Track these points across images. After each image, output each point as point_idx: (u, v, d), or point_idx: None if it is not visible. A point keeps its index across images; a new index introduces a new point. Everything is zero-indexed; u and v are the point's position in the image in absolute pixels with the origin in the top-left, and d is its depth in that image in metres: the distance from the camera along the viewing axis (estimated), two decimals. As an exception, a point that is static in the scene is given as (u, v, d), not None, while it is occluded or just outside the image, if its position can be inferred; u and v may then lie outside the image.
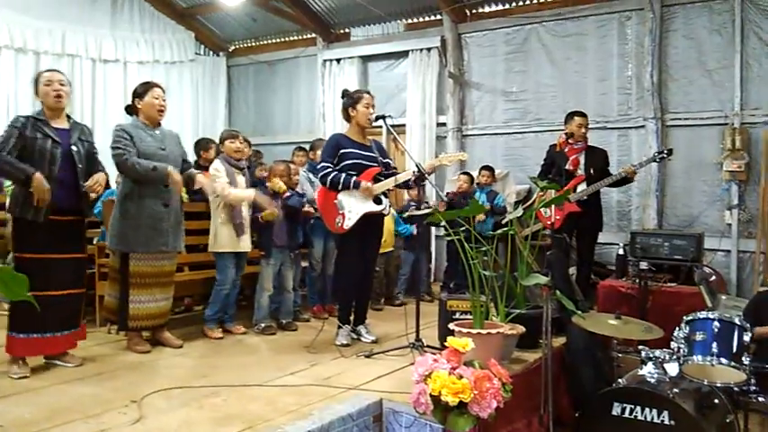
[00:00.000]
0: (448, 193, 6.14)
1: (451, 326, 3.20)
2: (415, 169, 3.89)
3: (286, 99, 8.88)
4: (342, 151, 4.00)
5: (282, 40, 8.82)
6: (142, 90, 3.96)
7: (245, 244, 4.41)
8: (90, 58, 7.57)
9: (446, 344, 2.74)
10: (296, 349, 3.98)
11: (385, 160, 4.15)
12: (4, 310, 5.01)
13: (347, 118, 4.15)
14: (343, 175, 3.97)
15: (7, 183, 5.60)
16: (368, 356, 3.72)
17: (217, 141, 6.15)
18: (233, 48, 9.20)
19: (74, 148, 3.45)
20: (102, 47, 7.67)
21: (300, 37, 8.65)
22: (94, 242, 4.69)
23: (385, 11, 7.54)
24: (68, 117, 3.56)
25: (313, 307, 5.17)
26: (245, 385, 3.10)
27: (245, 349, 4.04)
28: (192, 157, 5.92)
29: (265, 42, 8.96)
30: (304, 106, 8.70)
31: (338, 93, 7.91)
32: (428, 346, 3.68)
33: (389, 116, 4.13)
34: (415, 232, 5.62)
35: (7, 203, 3.58)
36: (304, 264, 5.12)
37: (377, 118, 4.11)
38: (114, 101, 7.77)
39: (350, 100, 4.15)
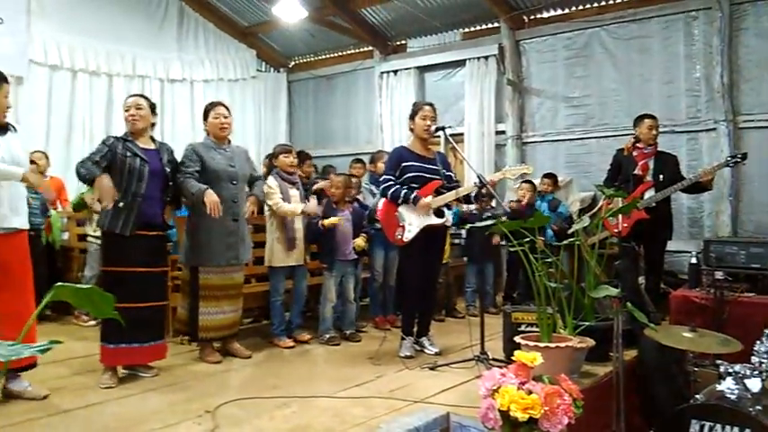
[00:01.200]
0: (510, 203, 6.06)
1: (517, 339, 3.16)
2: (477, 182, 3.87)
3: (344, 112, 9.02)
4: (404, 164, 4.03)
5: (340, 54, 8.97)
6: (207, 109, 4.14)
7: (297, 257, 4.50)
8: (158, 79, 7.92)
9: (513, 357, 2.71)
10: (360, 360, 4.02)
11: (447, 173, 4.15)
12: (83, 322, 5.32)
13: (411, 129, 4.20)
14: (404, 189, 3.99)
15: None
16: (432, 369, 3.71)
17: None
18: (293, 63, 9.42)
19: (159, 165, 3.65)
20: (170, 68, 8.01)
21: (358, 50, 8.77)
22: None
23: (442, 21, 7.56)
24: (153, 139, 3.79)
25: (375, 318, 5.21)
26: (314, 397, 3.16)
27: (311, 360, 4.11)
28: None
29: (324, 57, 9.13)
30: (362, 118, 8.81)
31: (396, 104, 8.17)
32: (493, 359, 3.64)
33: (449, 126, 4.15)
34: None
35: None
36: (365, 275, 5.17)
37: (436, 129, 4.13)
38: (181, 118, 8.11)
39: (411, 112, 4.19)
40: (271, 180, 4.53)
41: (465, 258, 5.98)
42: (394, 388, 3.32)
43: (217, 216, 3.77)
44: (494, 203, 5.42)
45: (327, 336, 4.53)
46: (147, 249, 3.60)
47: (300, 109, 9.48)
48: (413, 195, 3.97)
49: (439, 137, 4.49)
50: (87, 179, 3.48)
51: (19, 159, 3.11)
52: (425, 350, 4.15)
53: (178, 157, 3.94)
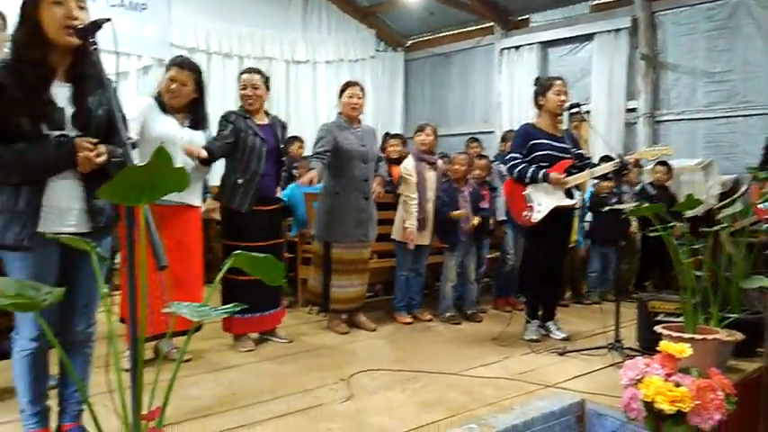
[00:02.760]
0: (642, 185, 5.74)
1: (658, 329, 3.00)
2: (617, 161, 3.69)
3: (462, 90, 8.91)
4: (532, 142, 3.91)
5: (459, 31, 8.84)
6: (342, 89, 4.22)
7: (424, 239, 4.51)
8: (284, 60, 8.21)
9: (654, 347, 2.58)
10: (483, 341, 4.00)
11: (578, 151, 4.00)
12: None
13: (538, 106, 4.05)
14: (532, 167, 3.88)
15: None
16: (561, 354, 3.62)
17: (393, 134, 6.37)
18: (410, 42, 9.41)
19: (281, 145, 3.77)
20: (295, 49, 8.28)
21: (477, 27, 8.60)
22: (293, 233, 5.09)
23: (570, -7, 7.23)
24: (266, 113, 3.77)
25: (495, 299, 5.16)
26: (442, 373, 3.19)
27: (433, 337, 4.15)
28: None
29: (442, 35, 9.04)
30: (480, 96, 8.66)
31: (516, 82, 7.94)
32: (628, 349, 3.49)
33: (584, 103, 3.97)
34: None
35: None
36: (490, 255, 5.10)
37: (570, 106, 3.97)
38: (305, 98, 8.38)
39: (540, 88, 4.04)
40: (408, 162, 4.55)
41: (589, 241, 5.74)
42: (522, 371, 3.27)
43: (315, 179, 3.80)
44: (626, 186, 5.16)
45: (448, 314, 4.55)
46: (264, 224, 3.68)
47: (417, 88, 9.48)
48: (541, 173, 3.85)
49: (576, 113, 4.28)
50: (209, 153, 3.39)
51: (196, 143, 3.28)
52: (552, 335, 4.05)
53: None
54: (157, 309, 3.12)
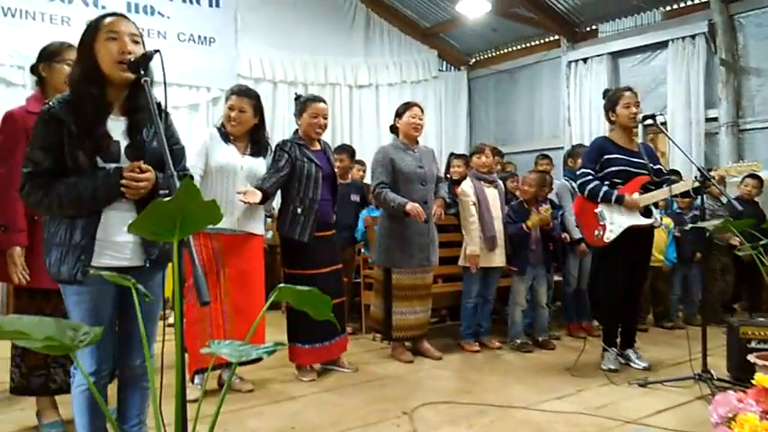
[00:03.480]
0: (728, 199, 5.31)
1: (752, 358, 2.71)
2: (698, 176, 3.41)
3: (528, 106, 8.67)
4: (606, 157, 3.68)
5: (523, 46, 8.64)
6: (402, 110, 4.15)
7: (497, 259, 4.32)
8: (347, 85, 8.28)
9: (753, 380, 2.30)
10: (557, 370, 3.77)
11: (656, 167, 3.73)
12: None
13: (610, 121, 3.83)
14: (605, 187, 3.64)
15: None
16: (642, 385, 3.34)
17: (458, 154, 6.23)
18: (473, 60, 9.29)
19: (335, 170, 3.74)
20: (358, 73, 8.33)
21: (542, 41, 8.38)
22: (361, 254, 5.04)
23: (640, 1, 6.90)
24: (318, 139, 3.74)
25: (568, 324, 4.88)
26: (513, 407, 3.00)
27: (502, 366, 3.95)
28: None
29: (506, 51, 8.87)
30: (547, 112, 8.40)
31: (585, 95, 7.65)
32: (718, 380, 3.17)
33: (659, 114, 3.71)
34: None
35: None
36: (557, 278, 4.87)
37: (644, 118, 3.72)
38: (368, 122, 8.39)
39: (609, 102, 3.81)
40: (465, 183, 4.43)
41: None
42: (600, 404, 3.03)
43: (421, 220, 3.80)
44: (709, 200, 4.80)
45: (518, 341, 4.33)
46: (323, 250, 3.63)
47: (481, 106, 9.32)
48: (615, 195, 3.61)
49: (651, 125, 4.01)
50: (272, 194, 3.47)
51: (257, 174, 3.32)
52: (632, 363, 3.76)
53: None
54: (219, 338, 3.12)
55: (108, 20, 2.00)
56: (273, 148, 3.54)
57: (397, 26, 8.67)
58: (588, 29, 7.89)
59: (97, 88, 1.99)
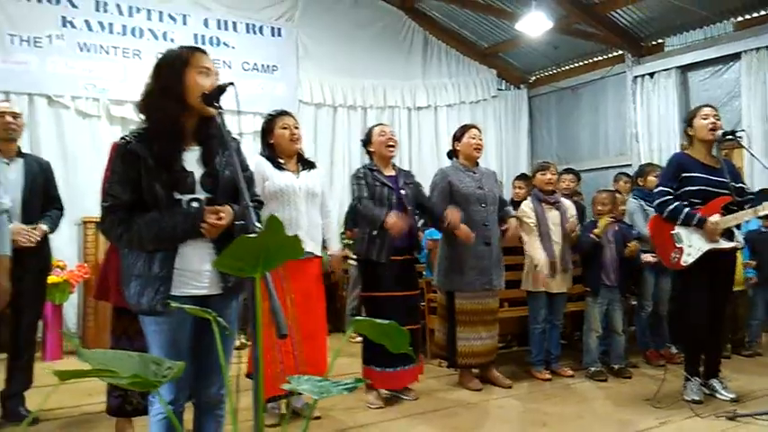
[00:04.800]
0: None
1: None
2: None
3: (592, 123, 8.44)
4: (685, 174, 3.50)
5: (586, 62, 8.44)
6: (460, 133, 4.12)
7: (559, 284, 4.17)
8: (406, 107, 8.28)
9: None
10: (635, 401, 3.58)
11: (738, 185, 3.52)
12: (351, 339, 5.67)
13: (688, 137, 3.66)
14: (686, 208, 3.46)
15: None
16: (731, 419, 3.12)
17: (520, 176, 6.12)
18: (534, 78, 9.15)
19: (402, 192, 3.72)
20: (416, 95, 8.33)
21: (605, 56, 8.16)
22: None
23: (711, 11, 6.63)
24: (393, 165, 3.85)
25: (645, 351, 4.64)
26: (591, 441, 2.85)
27: (576, 396, 3.78)
28: (507, 194, 5.98)
29: (567, 68, 8.69)
30: (613, 129, 8.14)
31: (653, 110, 7.38)
32: (818, 415, 2.93)
33: (742, 130, 3.52)
34: None
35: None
36: (632, 302, 4.66)
37: (723, 134, 3.52)
38: (427, 143, 8.36)
39: (686, 119, 3.66)
40: (525, 204, 4.32)
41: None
42: (687, 440, 2.85)
43: (471, 242, 3.72)
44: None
45: (593, 369, 4.14)
46: (401, 274, 3.66)
47: (542, 124, 9.14)
48: (696, 217, 3.43)
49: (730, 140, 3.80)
50: (378, 224, 3.55)
51: (314, 191, 3.38)
52: (717, 394, 3.53)
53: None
54: (289, 365, 3.12)
55: (198, 54, 2.05)
56: (351, 180, 3.70)
57: (455, 47, 8.65)
58: (654, 43, 7.64)
59: (179, 118, 2.03)
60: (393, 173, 3.78)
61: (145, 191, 1.98)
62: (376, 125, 3.93)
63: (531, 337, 4.25)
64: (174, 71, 2.02)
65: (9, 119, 3.32)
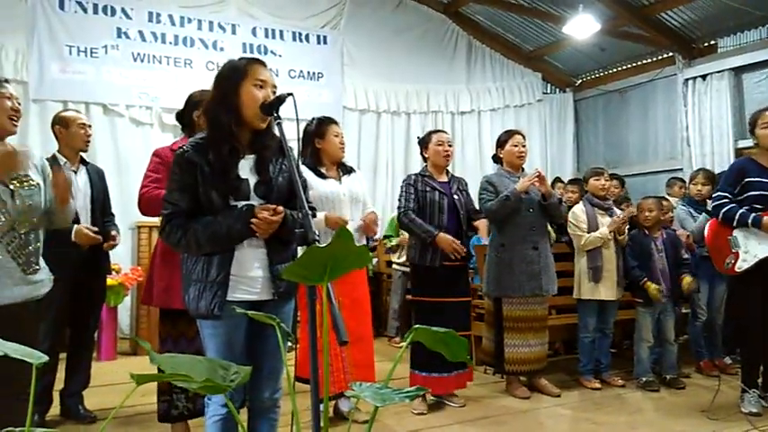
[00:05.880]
0: None
1: None
2: None
3: (640, 127, 8.25)
4: (747, 180, 3.41)
5: (634, 64, 8.27)
6: (504, 138, 4.10)
7: (605, 292, 4.09)
8: (449, 112, 8.27)
9: None
10: (689, 412, 3.48)
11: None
12: (395, 343, 5.69)
13: (755, 144, 3.56)
14: (742, 209, 3.38)
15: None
16: (794, 434, 3.01)
17: (572, 180, 6.04)
18: (579, 81, 9.01)
19: (455, 197, 3.73)
20: (459, 100, 8.31)
21: (655, 58, 7.97)
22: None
23: (767, 11, 6.42)
24: (447, 171, 3.87)
25: (699, 361, 4.51)
26: (645, 454, 2.79)
27: (628, 406, 3.70)
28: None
29: (614, 71, 8.53)
30: (662, 132, 7.94)
31: (705, 114, 7.17)
32: None
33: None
34: None
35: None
36: (684, 310, 4.53)
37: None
38: (470, 148, 8.33)
39: (750, 123, 3.55)
40: (577, 208, 4.26)
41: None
42: (746, 455, 2.76)
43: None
44: None
45: (644, 379, 4.04)
46: (451, 280, 3.66)
47: (589, 128, 8.98)
48: (751, 217, 3.33)
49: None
50: (428, 241, 3.59)
51: (357, 196, 3.42)
52: (777, 408, 3.41)
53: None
54: (338, 367, 3.16)
55: (255, 67, 2.10)
56: (402, 187, 3.74)
57: (500, 51, 8.59)
58: (706, 44, 7.43)
59: (235, 129, 2.09)
60: (446, 179, 3.81)
61: (202, 197, 2.04)
62: (435, 131, 3.96)
63: (579, 345, 4.18)
64: (231, 83, 2.08)
65: (88, 131, 3.48)
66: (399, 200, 3.76)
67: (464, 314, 3.76)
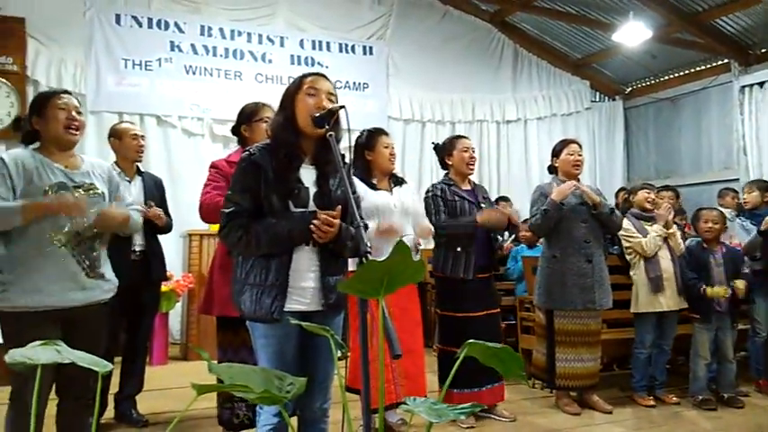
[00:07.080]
0: None
1: None
2: None
3: (694, 135, 8.01)
4: None
5: (686, 72, 8.04)
6: (559, 148, 4.02)
7: (666, 302, 3.96)
8: (495, 121, 8.19)
9: None
10: (751, 433, 3.34)
11: None
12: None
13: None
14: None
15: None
16: None
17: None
18: (630, 89, 8.81)
19: (483, 205, 3.68)
20: (505, 109, 8.23)
21: (708, 66, 7.74)
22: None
23: (830, 15, 6.16)
24: (469, 179, 3.80)
25: (758, 380, 4.32)
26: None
27: (684, 425, 3.57)
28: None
29: (666, 78, 8.31)
30: (717, 141, 7.68)
31: (762, 122, 6.90)
32: None
33: None
34: None
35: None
36: (742, 326, 4.35)
37: None
38: (516, 157, 8.22)
39: None
40: (624, 223, 4.14)
41: None
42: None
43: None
44: None
45: (701, 397, 3.90)
46: (480, 292, 3.59)
47: (639, 137, 8.77)
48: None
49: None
50: (471, 227, 3.53)
51: (408, 207, 3.40)
52: None
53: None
54: (388, 378, 3.14)
55: (310, 78, 2.18)
56: (429, 198, 3.65)
57: (547, 59, 8.48)
58: (763, 51, 7.17)
59: (293, 137, 2.15)
60: (470, 187, 3.75)
61: (263, 200, 2.09)
62: (457, 137, 3.84)
63: (633, 361, 4.05)
64: (288, 95, 2.18)
65: (142, 141, 3.60)
66: (429, 211, 3.60)
67: (493, 327, 3.63)
